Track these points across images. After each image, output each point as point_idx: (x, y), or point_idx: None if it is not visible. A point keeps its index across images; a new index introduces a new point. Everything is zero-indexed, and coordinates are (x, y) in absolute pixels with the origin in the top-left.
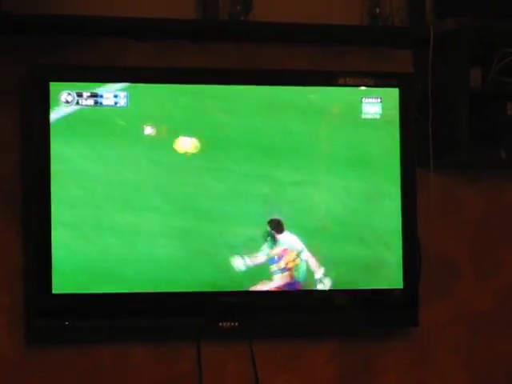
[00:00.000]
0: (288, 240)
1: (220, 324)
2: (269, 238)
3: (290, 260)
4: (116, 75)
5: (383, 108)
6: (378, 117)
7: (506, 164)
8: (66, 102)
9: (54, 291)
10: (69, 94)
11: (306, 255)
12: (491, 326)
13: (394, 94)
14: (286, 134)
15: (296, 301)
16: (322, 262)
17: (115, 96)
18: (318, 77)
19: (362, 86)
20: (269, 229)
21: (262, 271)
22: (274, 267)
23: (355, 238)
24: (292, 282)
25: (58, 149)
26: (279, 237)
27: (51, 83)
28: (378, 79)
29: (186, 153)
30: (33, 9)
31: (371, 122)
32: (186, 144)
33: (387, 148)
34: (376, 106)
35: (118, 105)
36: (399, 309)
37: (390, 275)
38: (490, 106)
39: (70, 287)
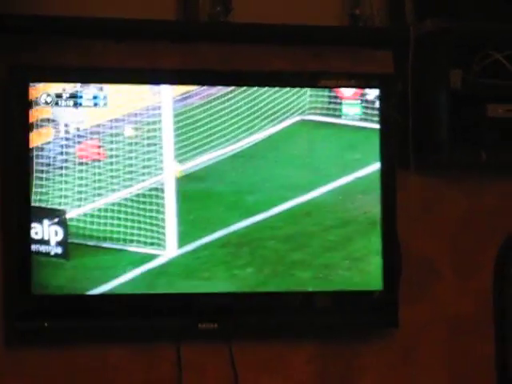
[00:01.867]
0: None
1: (200, 325)
2: None
3: None
4: (95, 76)
5: (363, 109)
6: (357, 118)
7: (487, 165)
8: (45, 103)
9: (33, 292)
10: (48, 94)
11: None
12: (471, 327)
13: (374, 94)
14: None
15: (276, 302)
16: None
17: (94, 97)
18: (298, 78)
19: (342, 87)
20: None
21: None
22: None
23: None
24: None
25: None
26: None
27: (30, 84)
28: (358, 80)
29: None
30: (13, 9)
31: (351, 123)
32: None
33: (367, 149)
34: (356, 107)
35: (97, 106)
36: (379, 310)
37: (369, 276)
38: (470, 108)
39: (49, 288)
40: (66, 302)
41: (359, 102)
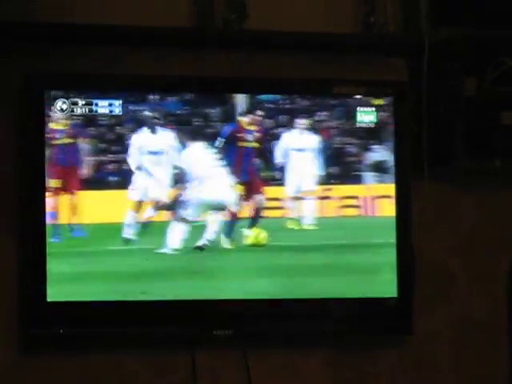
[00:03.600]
0: None
1: (215, 332)
2: None
3: None
4: (111, 83)
5: (378, 117)
6: (372, 126)
7: (501, 173)
8: (60, 110)
9: (48, 299)
10: (64, 102)
11: None
12: (486, 333)
13: (388, 102)
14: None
15: (290, 309)
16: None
17: (110, 104)
18: (313, 85)
19: (356, 95)
20: None
21: None
22: None
23: (349, 246)
24: None
25: None
26: None
27: (46, 91)
28: (372, 88)
29: None
30: (29, 17)
31: (366, 130)
32: None
33: (382, 157)
34: (371, 114)
35: (112, 113)
36: (393, 317)
37: (384, 283)
38: (484, 116)
39: (64, 295)
40: (80, 309)
41: (373, 109)
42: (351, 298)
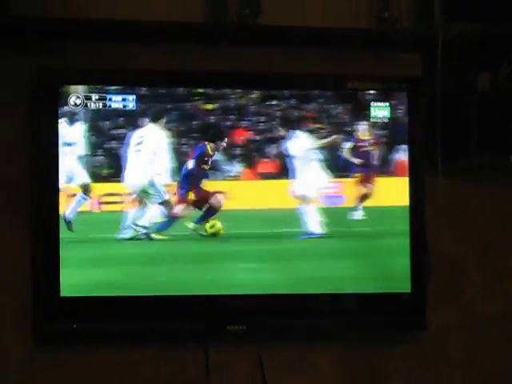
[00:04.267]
0: None
1: (228, 327)
2: None
3: None
4: (125, 78)
5: (392, 112)
6: (386, 121)
7: None
8: (74, 105)
9: (61, 294)
10: (77, 97)
11: None
12: (500, 329)
13: (402, 97)
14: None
15: (304, 304)
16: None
17: (123, 99)
18: (327, 81)
19: (370, 90)
20: None
21: None
22: None
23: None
24: None
25: None
26: None
27: (60, 86)
28: (386, 83)
29: None
30: (43, 12)
31: (380, 125)
32: None
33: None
34: (384, 109)
35: (126, 108)
36: (407, 312)
37: (398, 279)
38: (498, 111)
39: (77, 290)
40: (94, 304)
41: (387, 104)
42: (365, 294)
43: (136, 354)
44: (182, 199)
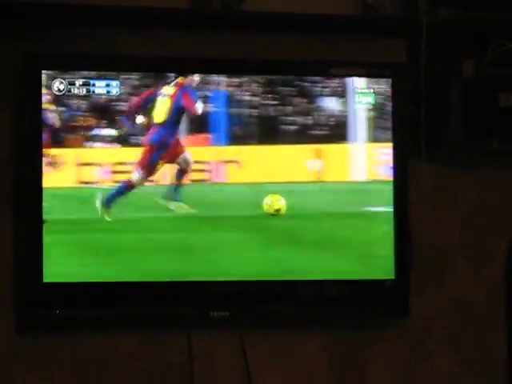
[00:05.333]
0: None
1: (211, 313)
2: None
3: None
4: (109, 64)
5: (376, 98)
6: (370, 107)
7: (499, 154)
8: (58, 91)
9: (44, 280)
10: (61, 82)
11: None
12: (483, 317)
13: (386, 84)
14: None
15: (287, 291)
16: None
17: (107, 85)
18: (311, 67)
19: (354, 76)
20: None
21: None
22: None
23: (347, 228)
24: None
25: None
26: None
27: (43, 71)
28: (370, 69)
29: None
30: None
31: (364, 111)
32: None
33: (379, 138)
34: (369, 96)
35: (110, 93)
36: (391, 299)
37: (381, 265)
38: (482, 97)
39: (60, 276)
40: (77, 290)
41: (371, 91)
42: (349, 280)
43: (119, 339)
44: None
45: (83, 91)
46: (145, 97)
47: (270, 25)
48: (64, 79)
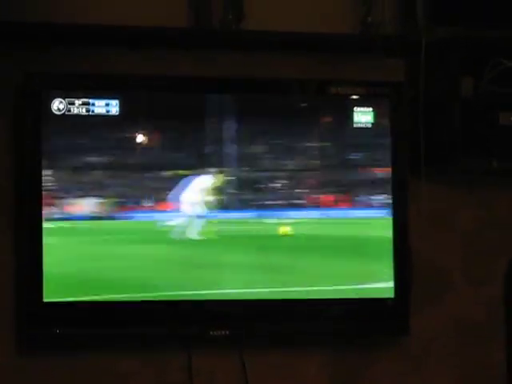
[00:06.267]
0: None
1: (211, 332)
2: None
3: None
4: (108, 83)
5: (375, 117)
6: (369, 126)
7: (498, 173)
8: (57, 110)
9: (45, 299)
10: (60, 102)
11: None
12: (482, 336)
13: (385, 102)
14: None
15: (287, 310)
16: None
17: (107, 104)
18: (310, 86)
19: (353, 95)
20: None
21: None
22: None
23: (347, 247)
24: None
25: None
26: None
27: (43, 91)
28: (369, 88)
29: None
30: (27, 17)
31: (363, 130)
32: None
33: (378, 157)
34: (367, 114)
35: (109, 113)
36: (391, 318)
37: (381, 284)
38: (481, 116)
39: (61, 295)
40: (77, 310)
41: (370, 110)
42: (348, 299)
43: (119, 359)
44: None
45: (83, 110)
46: None
47: (269, 44)
48: (64, 99)
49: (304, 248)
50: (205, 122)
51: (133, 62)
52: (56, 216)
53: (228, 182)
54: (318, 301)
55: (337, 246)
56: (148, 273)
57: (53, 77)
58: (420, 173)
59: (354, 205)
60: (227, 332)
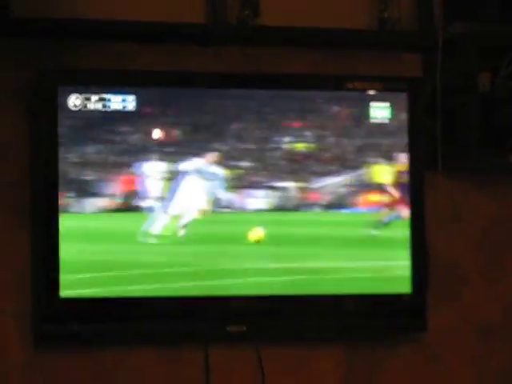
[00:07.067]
0: None
1: (228, 328)
2: None
3: None
4: (124, 79)
5: (392, 112)
6: (386, 121)
7: None
8: (73, 106)
9: (61, 295)
10: (77, 97)
11: None
12: (499, 331)
13: (402, 98)
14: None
15: (304, 305)
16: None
17: (123, 100)
18: (327, 81)
19: (370, 91)
20: None
21: None
22: None
23: (364, 242)
24: None
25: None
26: None
27: (59, 87)
28: (386, 83)
29: None
30: (42, 13)
31: (380, 126)
32: None
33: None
34: (385, 110)
35: (126, 109)
36: (408, 314)
37: (398, 280)
38: (498, 111)
39: (77, 291)
40: (93, 305)
41: (387, 105)
42: (365, 295)
43: (136, 354)
44: None
45: (99, 107)
46: None
47: (285, 40)
48: (80, 94)
49: (320, 242)
50: (221, 117)
51: (149, 58)
52: (72, 210)
53: (245, 180)
54: (335, 296)
55: (354, 240)
56: (164, 268)
57: (69, 73)
58: (437, 167)
59: None
60: (244, 328)
